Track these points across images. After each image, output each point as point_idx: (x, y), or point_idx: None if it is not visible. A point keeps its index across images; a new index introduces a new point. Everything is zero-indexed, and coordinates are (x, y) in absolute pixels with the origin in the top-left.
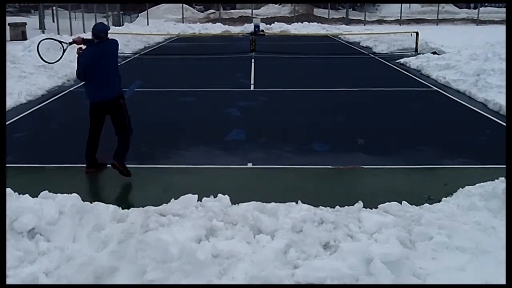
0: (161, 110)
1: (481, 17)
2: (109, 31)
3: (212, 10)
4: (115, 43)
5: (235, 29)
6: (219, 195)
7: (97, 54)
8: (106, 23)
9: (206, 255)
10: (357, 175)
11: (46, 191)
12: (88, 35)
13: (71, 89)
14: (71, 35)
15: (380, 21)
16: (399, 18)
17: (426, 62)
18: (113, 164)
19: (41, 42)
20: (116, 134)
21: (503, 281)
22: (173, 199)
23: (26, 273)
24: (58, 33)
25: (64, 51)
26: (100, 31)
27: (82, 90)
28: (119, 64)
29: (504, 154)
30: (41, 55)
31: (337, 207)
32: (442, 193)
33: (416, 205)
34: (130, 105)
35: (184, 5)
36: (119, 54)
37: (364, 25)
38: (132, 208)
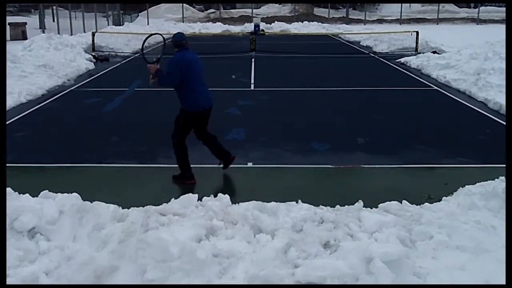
0: (161, 110)
1: (481, 16)
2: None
3: (212, 10)
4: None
5: (235, 29)
6: (219, 194)
7: (191, 57)
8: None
9: (206, 255)
10: (357, 174)
11: (46, 191)
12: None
13: (71, 88)
14: (71, 35)
15: (380, 21)
16: (399, 17)
17: (426, 62)
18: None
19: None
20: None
21: (503, 281)
22: (173, 199)
23: (26, 273)
24: (58, 33)
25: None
26: (181, 38)
27: (82, 90)
28: (119, 63)
29: (504, 153)
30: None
31: (337, 206)
32: (442, 192)
33: (416, 205)
34: (130, 105)
35: (184, 4)
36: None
37: (364, 24)
38: (132, 208)
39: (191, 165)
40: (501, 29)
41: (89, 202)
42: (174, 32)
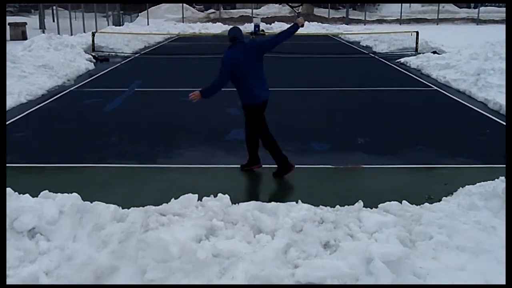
0: (161, 110)
1: (481, 16)
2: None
3: (212, 10)
4: (252, 45)
5: None
6: (219, 194)
7: (243, 52)
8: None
9: (206, 255)
10: (357, 174)
11: (46, 191)
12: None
13: (71, 89)
14: (71, 35)
15: (380, 21)
16: (399, 17)
17: (426, 62)
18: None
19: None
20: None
21: (503, 281)
22: (173, 199)
23: (26, 273)
24: (58, 33)
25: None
26: (235, 33)
27: (82, 90)
28: (119, 63)
29: (504, 153)
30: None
31: (337, 206)
32: (442, 192)
33: (416, 205)
34: (130, 105)
35: (184, 4)
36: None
37: (364, 24)
38: (132, 208)
39: (191, 165)
40: (501, 29)
41: (89, 202)
42: (174, 32)
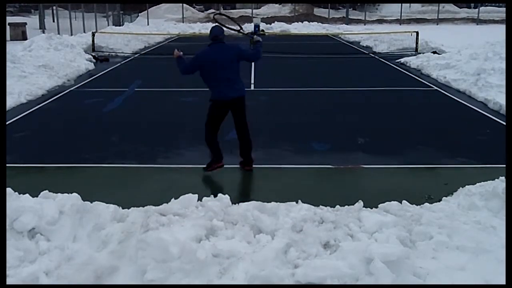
0: (161, 110)
1: (481, 16)
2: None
3: (212, 10)
4: (233, 48)
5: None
6: (219, 194)
7: (219, 52)
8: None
9: (206, 255)
10: (357, 174)
11: (46, 191)
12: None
13: (71, 89)
14: (71, 35)
15: (380, 21)
16: (399, 17)
17: (426, 62)
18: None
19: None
20: (240, 134)
21: (503, 281)
22: (173, 199)
23: (26, 273)
24: (58, 33)
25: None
26: (217, 32)
27: (82, 90)
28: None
29: (504, 153)
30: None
31: (337, 206)
32: (442, 192)
33: (416, 205)
34: (130, 105)
35: (184, 5)
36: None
37: (364, 24)
38: (132, 208)
39: (191, 165)
40: (501, 29)
41: (89, 202)
42: (174, 32)
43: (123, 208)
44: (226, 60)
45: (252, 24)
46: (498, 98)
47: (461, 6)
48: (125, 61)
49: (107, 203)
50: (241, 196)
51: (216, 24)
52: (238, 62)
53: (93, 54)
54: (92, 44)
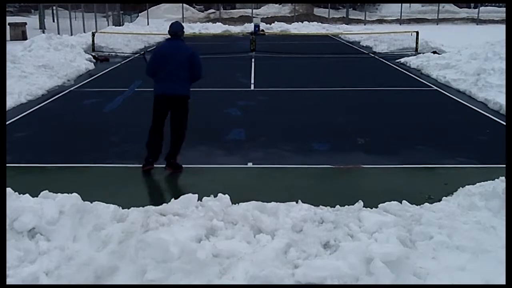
0: None
1: (481, 16)
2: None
3: (212, 10)
4: (189, 50)
5: (235, 29)
6: (219, 194)
7: (173, 47)
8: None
9: (206, 255)
10: (357, 174)
11: (46, 191)
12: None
13: (71, 89)
14: (71, 35)
15: (380, 21)
16: (399, 17)
17: (426, 62)
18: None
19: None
20: (171, 132)
21: (503, 281)
22: (173, 199)
23: (27, 273)
24: (58, 33)
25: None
26: (176, 29)
27: (82, 90)
28: (119, 63)
29: (504, 153)
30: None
31: (337, 206)
32: (442, 192)
33: (416, 205)
34: (130, 105)
35: (184, 5)
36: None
37: (364, 24)
38: (132, 208)
39: (191, 165)
40: (501, 29)
41: (89, 202)
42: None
43: (123, 208)
44: (178, 57)
45: (252, 24)
46: (498, 98)
47: (461, 6)
48: (125, 61)
49: (107, 203)
50: (241, 196)
51: (177, 20)
52: (190, 65)
53: (93, 54)
54: (92, 44)
